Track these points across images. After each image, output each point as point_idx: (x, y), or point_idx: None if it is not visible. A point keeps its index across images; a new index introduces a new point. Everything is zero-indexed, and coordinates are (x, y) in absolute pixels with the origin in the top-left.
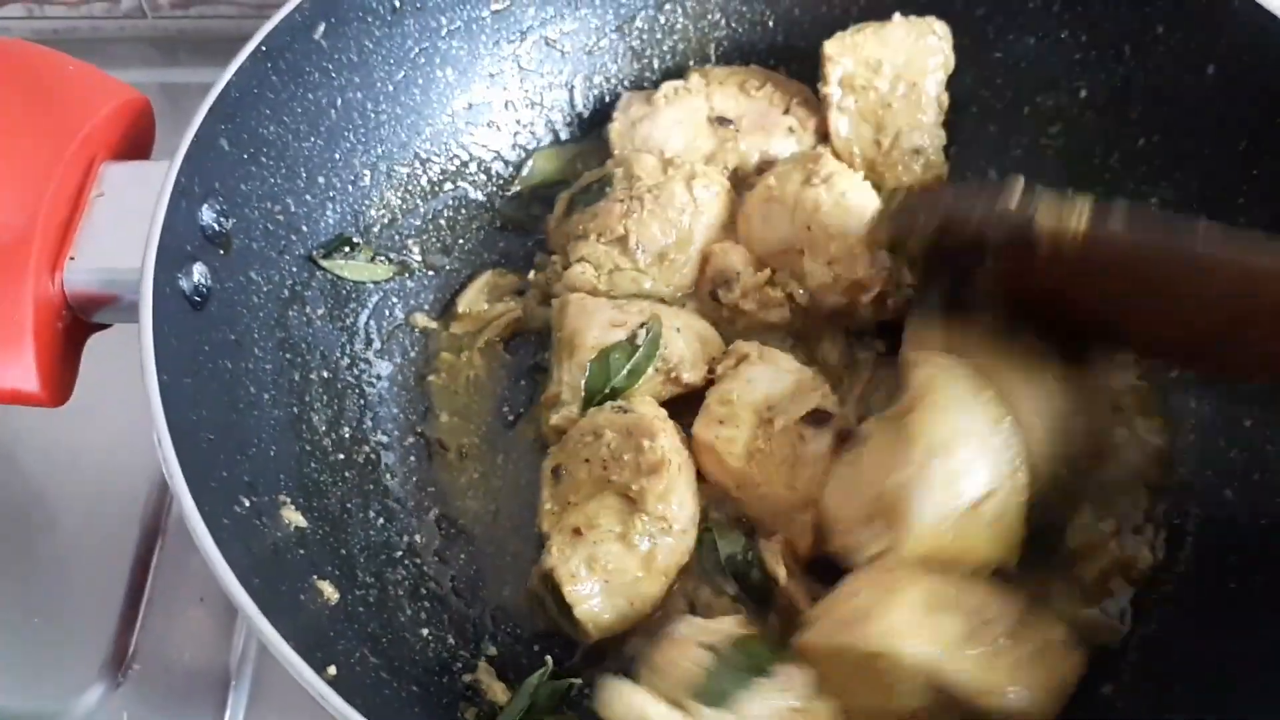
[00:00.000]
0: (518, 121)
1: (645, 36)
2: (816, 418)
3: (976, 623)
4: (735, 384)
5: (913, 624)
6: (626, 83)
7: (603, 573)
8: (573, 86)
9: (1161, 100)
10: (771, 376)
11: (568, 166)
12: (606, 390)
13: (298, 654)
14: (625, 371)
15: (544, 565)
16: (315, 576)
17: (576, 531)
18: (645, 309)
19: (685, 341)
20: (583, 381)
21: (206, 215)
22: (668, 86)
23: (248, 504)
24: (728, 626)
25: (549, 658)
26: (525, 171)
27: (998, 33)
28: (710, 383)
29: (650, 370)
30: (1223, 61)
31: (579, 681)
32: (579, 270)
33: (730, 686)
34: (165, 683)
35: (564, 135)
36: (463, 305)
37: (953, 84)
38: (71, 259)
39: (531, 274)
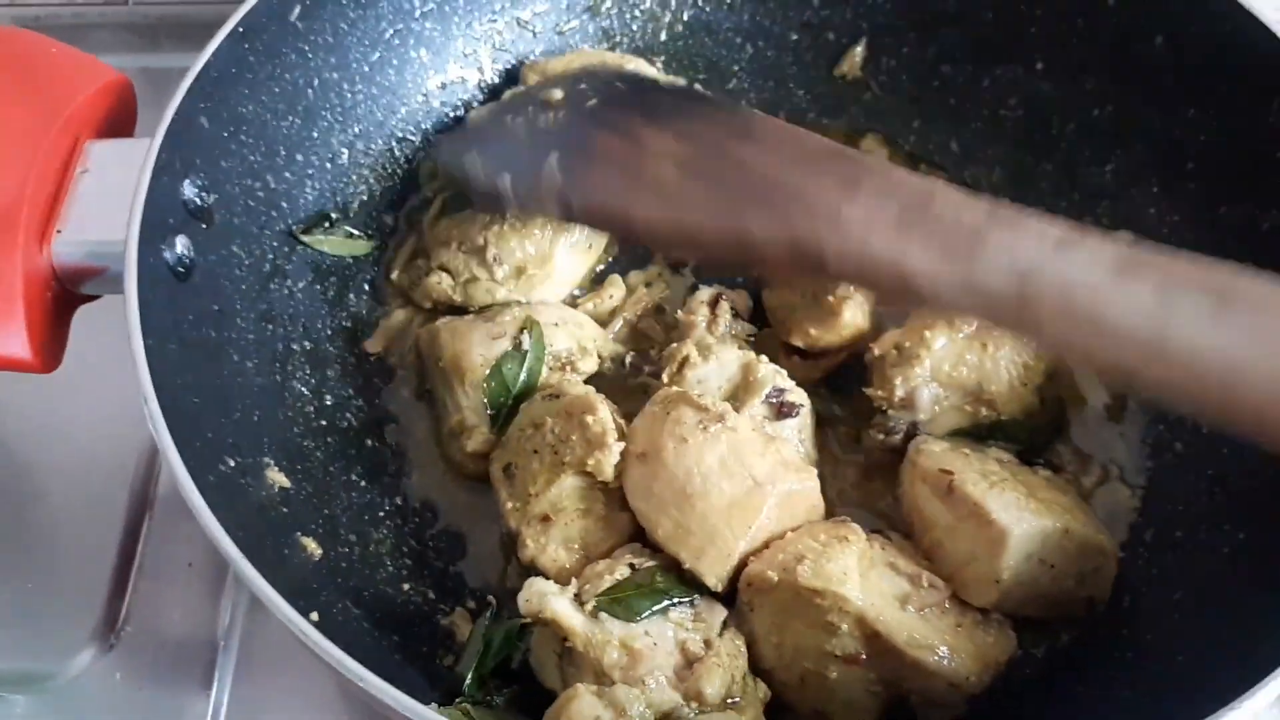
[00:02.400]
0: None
1: (615, 18)
2: (777, 403)
3: (912, 588)
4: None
5: (853, 572)
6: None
7: (582, 548)
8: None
9: (1113, 71)
10: (718, 370)
11: None
12: (510, 401)
13: (282, 598)
14: (522, 378)
15: (524, 558)
16: (299, 533)
17: (545, 519)
18: (517, 313)
19: (568, 333)
20: (483, 401)
21: (188, 190)
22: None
23: (232, 463)
24: (663, 560)
25: (492, 598)
26: None
27: (958, 7)
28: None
29: (544, 370)
30: (1170, 32)
31: (528, 620)
32: (435, 280)
33: (640, 602)
34: (156, 646)
35: None
36: (394, 274)
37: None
38: (59, 232)
39: (394, 275)
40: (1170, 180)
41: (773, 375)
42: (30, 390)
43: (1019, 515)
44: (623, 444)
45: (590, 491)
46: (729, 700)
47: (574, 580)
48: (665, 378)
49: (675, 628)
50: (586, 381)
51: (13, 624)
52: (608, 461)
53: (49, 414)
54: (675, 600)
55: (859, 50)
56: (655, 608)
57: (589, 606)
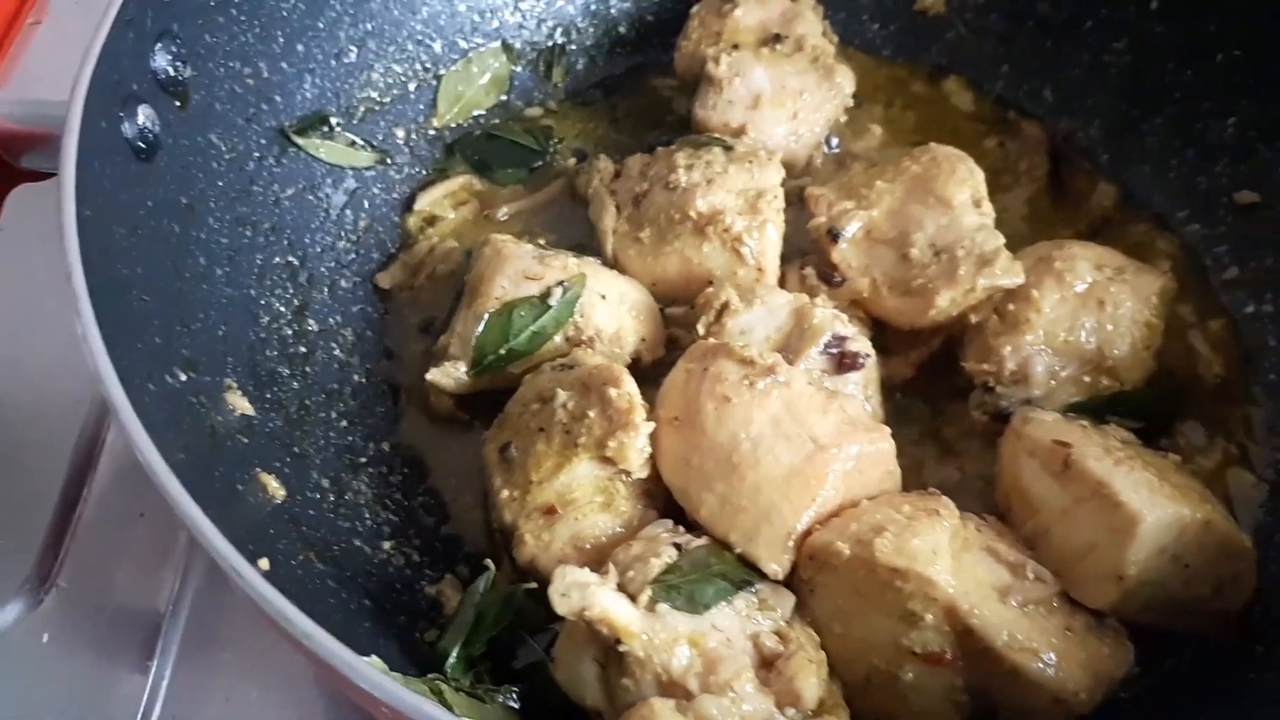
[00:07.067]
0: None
1: None
2: (837, 353)
3: (1015, 579)
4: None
5: (945, 552)
6: None
7: (595, 550)
8: None
9: (1242, 10)
10: (765, 317)
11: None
12: (502, 352)
13: (212, 524)
14: (528, 333)
15: (521, 558)
16: (259, 469)
17: (550, 512)
18: (571, 266)
19: (610, 312)
20: (476, 335)
21: (160, 58)
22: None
23: (184, 378)
24: (703, 538)
25: (489, 561)
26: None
27: None
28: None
29: (559, 338)
30: None
31: (532, 585)
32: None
33: (705, 590)
34: (93, 603)
35: (584, 28)
36: (421, 203)
37: None
38: None
39: (571, 161)
40: None
41: (831, 320)
42: None
43: (1152, 499)
44: (652, 425)
45: (610, 482)
46: None
47: (610, 568)
48: (701, 329)
49: (743, 619)
50: None
51: None
52: (633, 445)
53: None
54: (741, 585)
55: None
56: (724, 596)
57: (643, 598)
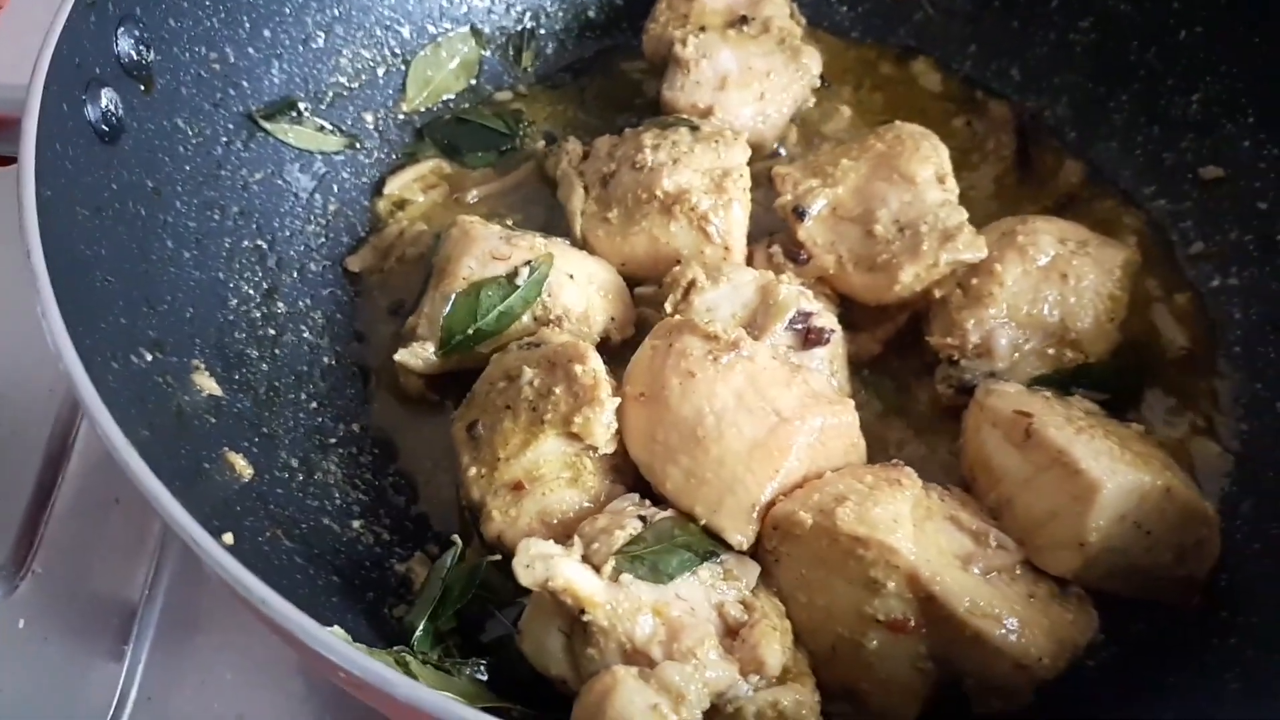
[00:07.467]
0: None
1: None
2: (803, 329)
3: (977, 547)
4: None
5: (906, 520)
6: None
7: (562, 525)
8: None
9: None
10: (731, 294)
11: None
12: (470, 332)
13: (173, 496)
14: (495, 312)
15: (489, 533)
16: (227, 449)
17: (517, 487)
18: (538, 245)
19: (578, 291)
20: (444, 315)
21: (123, 41)
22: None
23: (150, 358)
24: (669, 511)
25: (456, 536)
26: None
27: None
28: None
29: (526, 317)
30: None
31: (497, 558)
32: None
33: (669, 560)
34: (69, 589)
35: (553, 12)
36: (391, 187)
37: None
38: None
39: (541, 144)
40: (1271, 110)
41: (796, 297)
42: None
43: (1112, 466)
44: (618, 400)
45: (577, 458)
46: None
47: (575, 540)
48: (668, 307)
49: (707, 589)
50: None
51: None
52: (598, 421)
53: None
54: (706, 556)
55: None
56: (688, 566)
57: (607, 568)
